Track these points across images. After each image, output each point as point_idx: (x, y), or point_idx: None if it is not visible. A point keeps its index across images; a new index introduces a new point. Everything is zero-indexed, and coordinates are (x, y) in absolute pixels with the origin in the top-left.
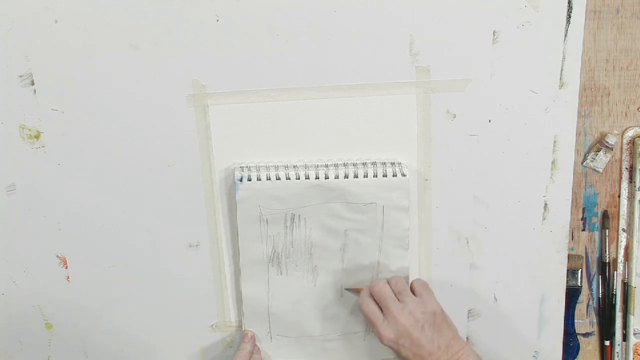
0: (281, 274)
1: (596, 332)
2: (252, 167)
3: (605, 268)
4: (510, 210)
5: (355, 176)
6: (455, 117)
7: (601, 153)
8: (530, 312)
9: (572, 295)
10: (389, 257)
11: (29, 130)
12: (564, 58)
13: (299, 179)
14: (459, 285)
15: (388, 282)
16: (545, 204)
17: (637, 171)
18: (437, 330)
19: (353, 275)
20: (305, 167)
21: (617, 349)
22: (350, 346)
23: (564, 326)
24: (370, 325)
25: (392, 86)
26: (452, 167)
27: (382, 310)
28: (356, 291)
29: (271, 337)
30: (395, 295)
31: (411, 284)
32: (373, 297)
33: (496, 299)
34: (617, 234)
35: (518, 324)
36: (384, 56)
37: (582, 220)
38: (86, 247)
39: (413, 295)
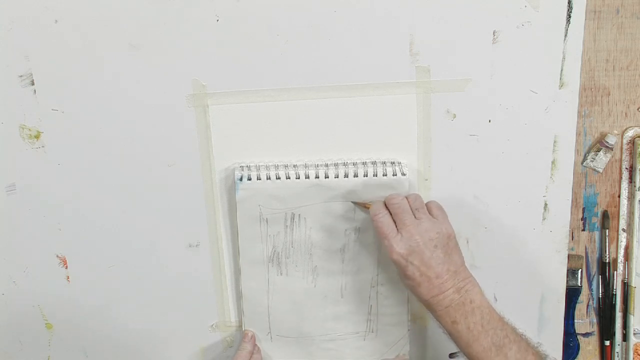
0: (281, 274)
1: (596, 332)
2: (252, 166)
3: (605, 268)
4: (510, 210)
5: (355, 176)
6: (455, 117)
7: (601, 153)
8: (530, 312)
9: (572, 295)
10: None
11: (29, 130)
12: (564, 58)
13: (299, 178)
14: None
15: (406, 197)
16: (545, 204)
17: (637, 171)
18: (448, 254)
19: (353, 275)
20: (305, 166)
21: (617, 349)
22: (350, 346)
23: (564, 326)
24: (381, 238)
25: (392, 86)
26: (452, 167)
27: (396, 224)
28: (363, 206)
29: (271, 337)
30: (412, 211)
31: (427, 204)
32: (388, 209)
33: (496, 299)
34: (617, 234)
35: (518, 324)
36: (384, 56)
37: (582, 220)
38: (86, 247)
39: (429, 215)
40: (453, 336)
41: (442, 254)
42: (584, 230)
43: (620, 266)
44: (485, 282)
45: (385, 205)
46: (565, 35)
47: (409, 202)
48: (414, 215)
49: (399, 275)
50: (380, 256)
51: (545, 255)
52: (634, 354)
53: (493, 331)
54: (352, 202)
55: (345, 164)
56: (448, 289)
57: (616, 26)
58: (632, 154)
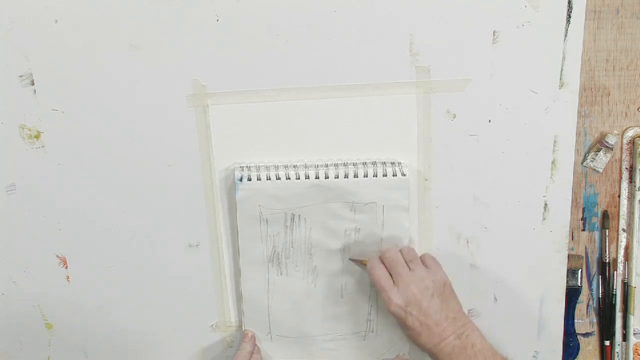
0: (281, 274)
1: (596, 332)
2: (252, 167)
3: (605, 268)
4: (510, 210)
5: (355, 176)
6: (455, 117)
7: (601, 153)
8: (530, 312)
9: (572, 295)
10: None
11: (29, 130)
12: (564, 58)
13: (299, 178)
14: (459, 285)
15: (399, 250)
16: (545, 204)
17: (637, 171)
18: (445, 301)
19: (353, 275)
20: (305, 167)
21: (617, 349)
22: (350, 346)
23: (564, 326)
24: (379, 291)
25: (392, 86)
26: (452, 167)
27: (392, 277)
28: (361, 263)
29: (271, 337)
30: (406, 262)
31: (420, 256)
32: (384, 263)
33: (496, 299)
34: (617, 234)
35: (518, 324)
36: (384, 56)
37: (582, 220)
38: (86, 247)
39: (423, 265)
40: None
41: (439, 302)
42: (584, 230)
43: (620, 266)
44: (485, 282)
45: (381, 259)
46: (565, 35)
47: (402, 254)
48: (408, 266)
49: (400, 327)
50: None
51: (545, 255)
52: (634, 354)
53: None
54: (350, 259)
55: (345, 164)
56: (449, 336)
57: (616, 26)
58: (632, 154)
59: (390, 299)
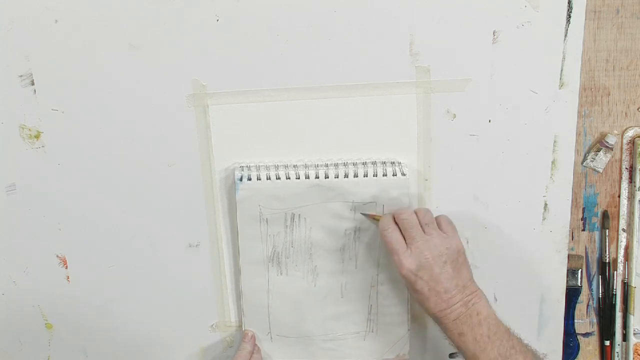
0: (281, 274)
1: (596, 332)
2: (252, 166)
3: (605, 268)
4: (510, 210)
5: (355, 176)
6: (455, 117)
7: (601, 153)
8: (530, 312)
9: (572, 295)
10: (389, 257)
11: (29, 130)
12: (564, 58)
13: (299, 178)
14: None
15: (415, 212)
16: (545, 204)
17: (637, 171)
18: (457, 269)
19: (353, 275)
20: (305, 166)
21: (617, 349)
22: (350, 346)
23: (564, 326)
24: (390, 253)
25: (392, 86)
26: (452, 167)
27: (405, 239)
28: (373, 218)
29: (271, 337)
30: (422, 226)
31: (437, 218)
32: (397, 224)
33: (496, 299)
34: (617, 234)
35: (518, 324)
36: (384, 56)
37: (582, 220)
38: (86, 247)
39: (439, 230)
40: (460, 348)
41: (451, 270)
42: (584, 230)
43: (620, 266)
44: (485, 282)
45: (394, 219)
46: (565, 35)
47: (418, 216)
48: (423, 230)
49: (408, 289)
50: (381, 256)
51: (545, 255)
52: (634, 354)
53: (499, 342)
54: (361, 213)
55: (345, 164)
56: (456, 303)
57: (616, 26)
58: (632, 154)
59: (402, 263)
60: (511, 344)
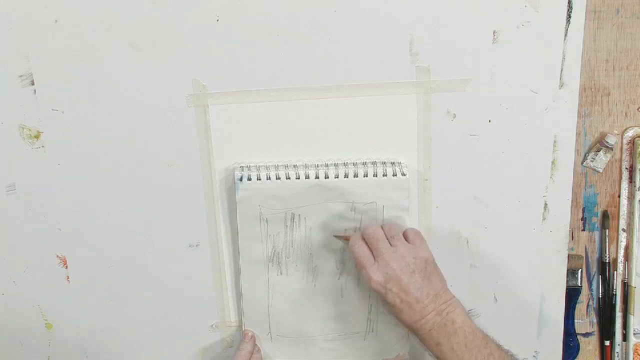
0: (281, 274)
1: (596, 332)
2: (252, 166)
3: (605, 268)
4: (510, 210)
5: (355, 176)
6: (455, 117)
7: (601, 153)
8: (530, 312)
9: (572, 295)
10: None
11: (29, 130)
12: (564, 58)
13: (299, 178)
14: (459, 285)
15: (381, 226)
16: (545, 204)
17: (637, 171)
18: (427, 278)
19: (353, 275)
20: (305, 166)
21: (617, 349)
22: (350, 346)
23: (564, 326)
24: (359, 268)
25: (392, 86)
26: (452, 167)
27: (372, 254)
28: (344, 239)
29: (271, 337)
30: (388, 239)
31: (405, 231)
32: (365, 240)
33: (496, 299)
34: (617, 234)
35: (518, 324)
36: (384, 56)
37: (582, 220)
38: (86, 247)
39: (405, 241)
40: (438, 358)
41: (420, 279)
42: (584, 230)
43: (620, 266)
44: (485, 282)
45: (362, 236)
46: (565, 35)
47: (384, 230)
48: (389, 243)
49: (381, 303)
50: None
51: (545, 255)
52: (634, 354)
53: (477, 350)
54: (334, 235)
55: (345, 164)
56: (429, 313)
57: (616, 26)
58: (632, 154)
59: (370, 276)
60: (489, 350)
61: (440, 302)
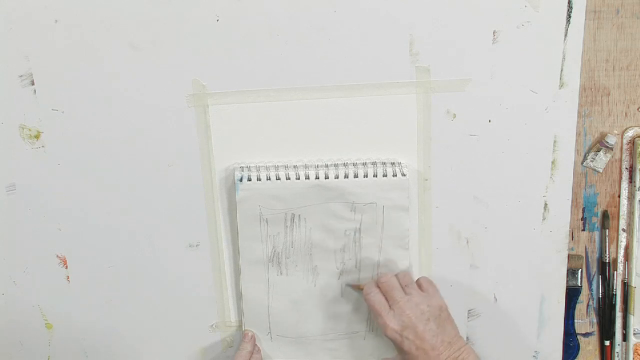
0: (281, 274)
1: (596, 332)
2: (252, 167)
3: (605, 268)
4: (510, 210)
5: (355, 176)
6: (455, 117)
7: (601, 153)
8: (530, 312)
9: (572, 295)
10: (389, 257)
11: (29, 130)
12: (564, 58)
13: (299, 179)
14: (459, 285)
15: (395, 275)
16: (545, 204)
17: (637, 171)
18: (441, 325)
19: (353, 275)
20: (305, 167)
21: (617, 349)
22: (350, 346)
23: (564, 326)
24: (374, 316)
25: (392, 86)
26: (452, 167)
27: (387, 302)
28: (357, 288)
29: (271, 337)
30: (402, 287)
31: (417, 280)
32: (379, 288)
33: (496, 299)
34: (617, 234)
35: (518, 324)
36: (384, 56)
37: (582, 220)
38: (86, 247)
39: (419, 290)
40: None
41: (435, 327)
42: (584, 230)
43: (620, 266)
44: (485, 282)
45: (377, 284)
46: (565, 35)
47: (398, 279)
48: (404, 291)
49: (396, 351)
50: (380, 256)
51: (545, 255)
52: (634, 354)
53: None
54: (346, 285)
55: (345, 165)
56: None
57: (616, 26)
58: (632, 154)
59: (386, 324)
60: None
61: (454, 349)
